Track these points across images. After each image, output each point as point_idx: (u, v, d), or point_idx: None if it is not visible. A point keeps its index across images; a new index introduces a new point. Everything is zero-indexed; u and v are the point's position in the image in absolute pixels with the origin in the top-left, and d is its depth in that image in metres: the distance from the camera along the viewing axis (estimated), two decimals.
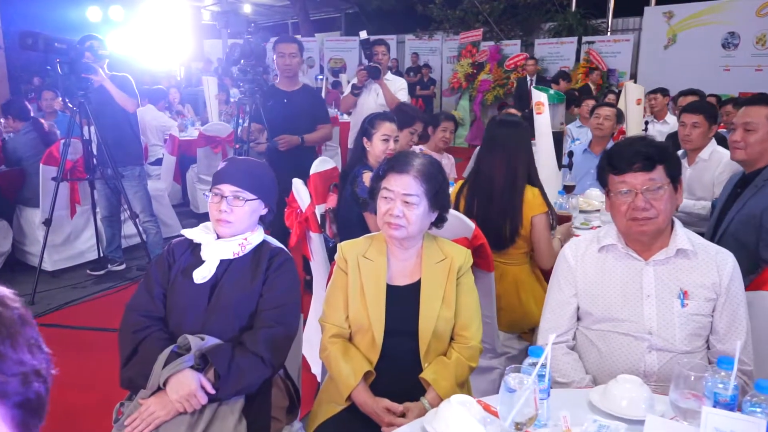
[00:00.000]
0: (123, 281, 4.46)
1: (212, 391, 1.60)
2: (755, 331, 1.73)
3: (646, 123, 5.55)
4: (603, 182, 1.75)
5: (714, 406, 1.23)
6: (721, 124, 6.46)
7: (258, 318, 1.74)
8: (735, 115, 2.58)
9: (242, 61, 3.47)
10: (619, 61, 10.35)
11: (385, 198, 1.73)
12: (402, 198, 1.70)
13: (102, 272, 4.56)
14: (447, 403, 1.31)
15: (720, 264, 1.63)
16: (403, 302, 1.77)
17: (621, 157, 1.67)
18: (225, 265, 1.79)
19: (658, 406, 1.36)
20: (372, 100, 4.60)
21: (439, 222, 1.84)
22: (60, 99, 5.31)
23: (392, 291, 1.79)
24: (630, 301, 1.66)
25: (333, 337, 1.78)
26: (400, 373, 1.74)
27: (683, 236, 1.67)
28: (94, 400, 2.86)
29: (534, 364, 1.25)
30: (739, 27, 9.15)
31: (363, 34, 4.79)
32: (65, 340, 3.56)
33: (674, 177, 1.66)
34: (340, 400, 1.72)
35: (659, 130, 5.59)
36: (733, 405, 1.24)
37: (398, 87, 4.69)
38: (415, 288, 1.79)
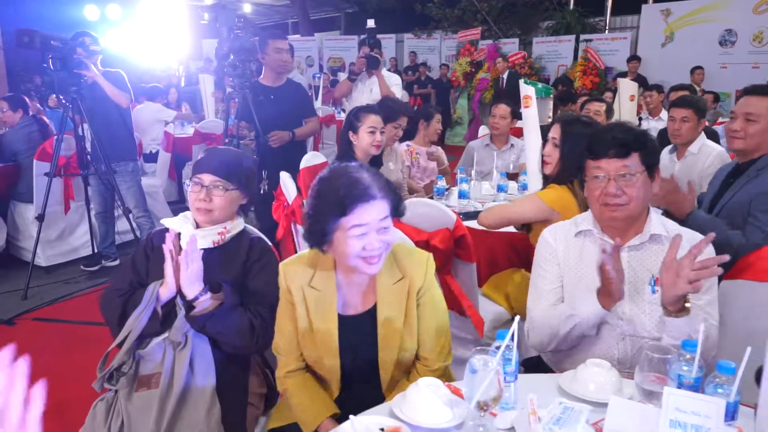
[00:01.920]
0: None
1: (218, 299, 1.67)
2: (732, 320, 1.74)
3: (640, 119, 5.56)
4: (582, 167, 1.76)
5: (678, 388, 1.24)
6: (717, 121, 6.48)
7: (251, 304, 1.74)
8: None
9: (231, 56, 3.49)
10: (616, 59, 10.34)
11: (358, 236, 1.43)
12: (378, 226, 1.44)
13: (96, 268, 4.58)
14: (415, 386, 1.32)
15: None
16: (358, 333, 1.58)
17: (598, 143, 1.68)
18: (205, 254, 1.80)
19: (626, 389, 1.37)
20: (366, 97, 4.61)
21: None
22: (54, 96, 5.32)
23: (345, 322, 1.57)
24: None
25: (290, 373, 1.61)
26: (362, 403, 1.51)
27: (657, 222, 1.68)
28: (85, 393, 2.87)
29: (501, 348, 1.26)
30: (737, 24, 9.15)
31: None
32: (57, 334, 3.58)
33: (650, 165, 1.66)
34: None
35: (654, 127, 5.59)
36: (697, 387, 1.25)
37: (393, 82, 4.72)
38: (370, 316, 1.58)
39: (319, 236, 1.46)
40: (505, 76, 9.32)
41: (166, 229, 1.85)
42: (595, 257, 1.70)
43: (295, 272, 1.58)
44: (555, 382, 1.44)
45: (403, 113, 3.43)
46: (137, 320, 1.63)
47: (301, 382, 1.60)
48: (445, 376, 1.65)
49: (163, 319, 1.67)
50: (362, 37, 4.72)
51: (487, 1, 12.08)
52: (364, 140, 2.84)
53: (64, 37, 3.93)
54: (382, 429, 1.22)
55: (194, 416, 1.60)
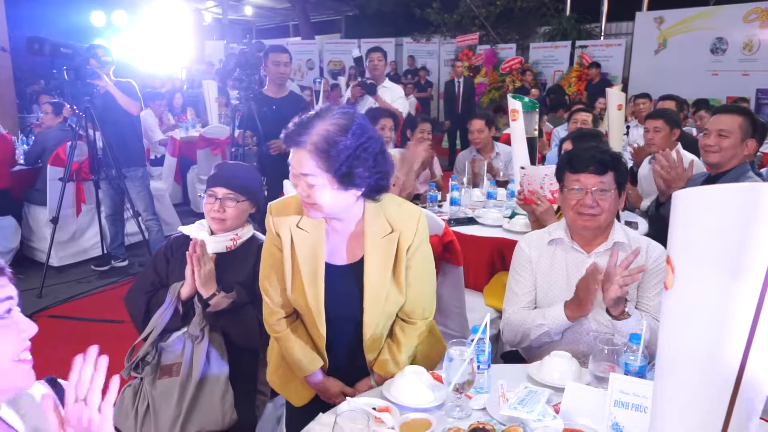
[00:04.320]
0: (125, 276, 4.69)
1: (230, 297, 1.88)
2: None
3: (628, 127, 5.77)
4: (560, 178, 1.98)
5: (626, 375, 1.45)
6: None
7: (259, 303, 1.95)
8: (708, 120, 2.83)
9: (237, 70, 3.72)
10: (611, 65, 10.57)
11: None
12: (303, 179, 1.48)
13: (106, 268, 4.80)
14: (402, 374, 1.54)
15: (649, 252, 1.85)
16: (344, 285, 1.58)
17: (579, 159, 1.90)
18: (219, 258, 2.02)
19: (585, 377, 1.59)
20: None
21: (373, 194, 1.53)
22: (68, 106, 5.51)
23: (332, 271, 1.57)
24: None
25: (279, 320, 1.68)
26: (344, 360, 1.69)
27: (620, 231, 1.91)
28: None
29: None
30: (727, 33, 9.37)
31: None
32: (70, 330, 3.80)
33: (620, 184, 1.90)
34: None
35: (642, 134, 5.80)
36: (642, 374, 1.47)
37: (395, 96, 4.72)
38: (357, 269, 1.58)
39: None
40: (461, 81, 9.37)
41: (183, 235, 2.07)
42: (565, 264, 1.93)
43: (282, 212, 1.61)
44: (525, 371, 1.66)
45: (385, 117, 3.65)
46: (161, 317, 1.85)
47: (293, 327, 1.67)
48: (428, 331, 1.74)
49: (183, 315, 1.89)
50: (355, 57, 4.77)
51: (485, 7, 12.31)
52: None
53: (72, 45, 4.10)
54: (374, 408, 1.44)
55: (210, 401, 1.82)
